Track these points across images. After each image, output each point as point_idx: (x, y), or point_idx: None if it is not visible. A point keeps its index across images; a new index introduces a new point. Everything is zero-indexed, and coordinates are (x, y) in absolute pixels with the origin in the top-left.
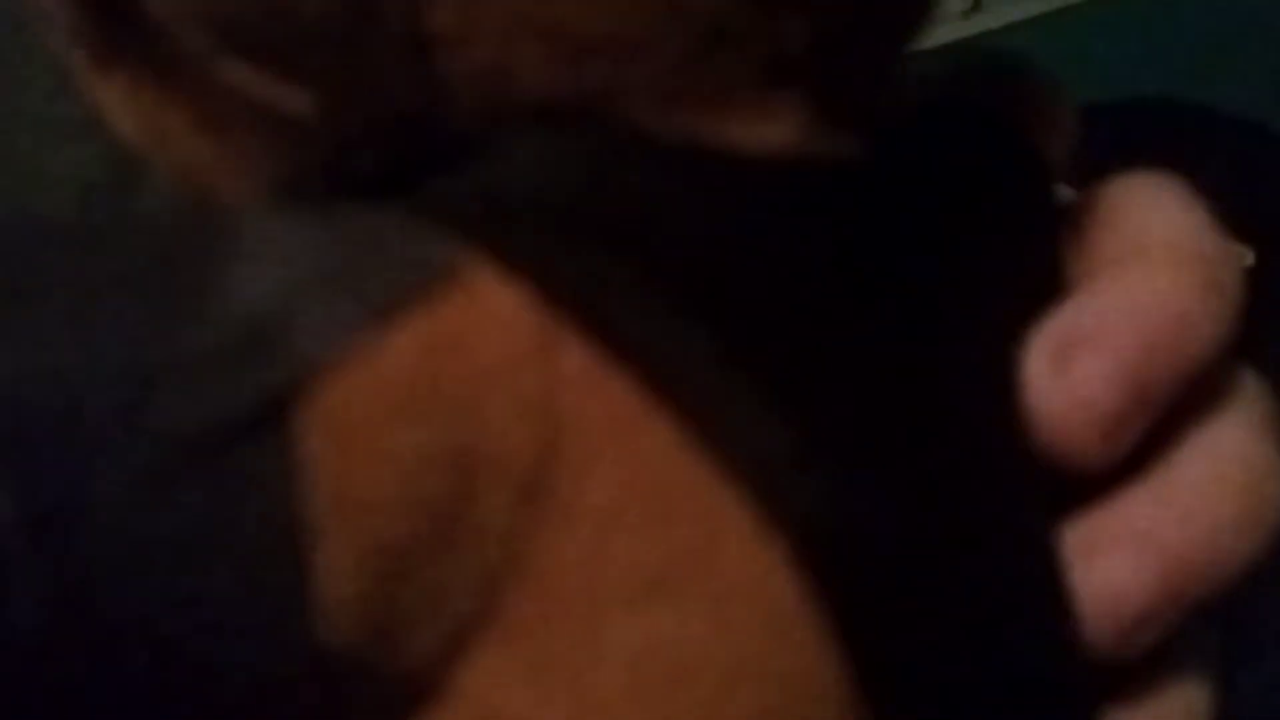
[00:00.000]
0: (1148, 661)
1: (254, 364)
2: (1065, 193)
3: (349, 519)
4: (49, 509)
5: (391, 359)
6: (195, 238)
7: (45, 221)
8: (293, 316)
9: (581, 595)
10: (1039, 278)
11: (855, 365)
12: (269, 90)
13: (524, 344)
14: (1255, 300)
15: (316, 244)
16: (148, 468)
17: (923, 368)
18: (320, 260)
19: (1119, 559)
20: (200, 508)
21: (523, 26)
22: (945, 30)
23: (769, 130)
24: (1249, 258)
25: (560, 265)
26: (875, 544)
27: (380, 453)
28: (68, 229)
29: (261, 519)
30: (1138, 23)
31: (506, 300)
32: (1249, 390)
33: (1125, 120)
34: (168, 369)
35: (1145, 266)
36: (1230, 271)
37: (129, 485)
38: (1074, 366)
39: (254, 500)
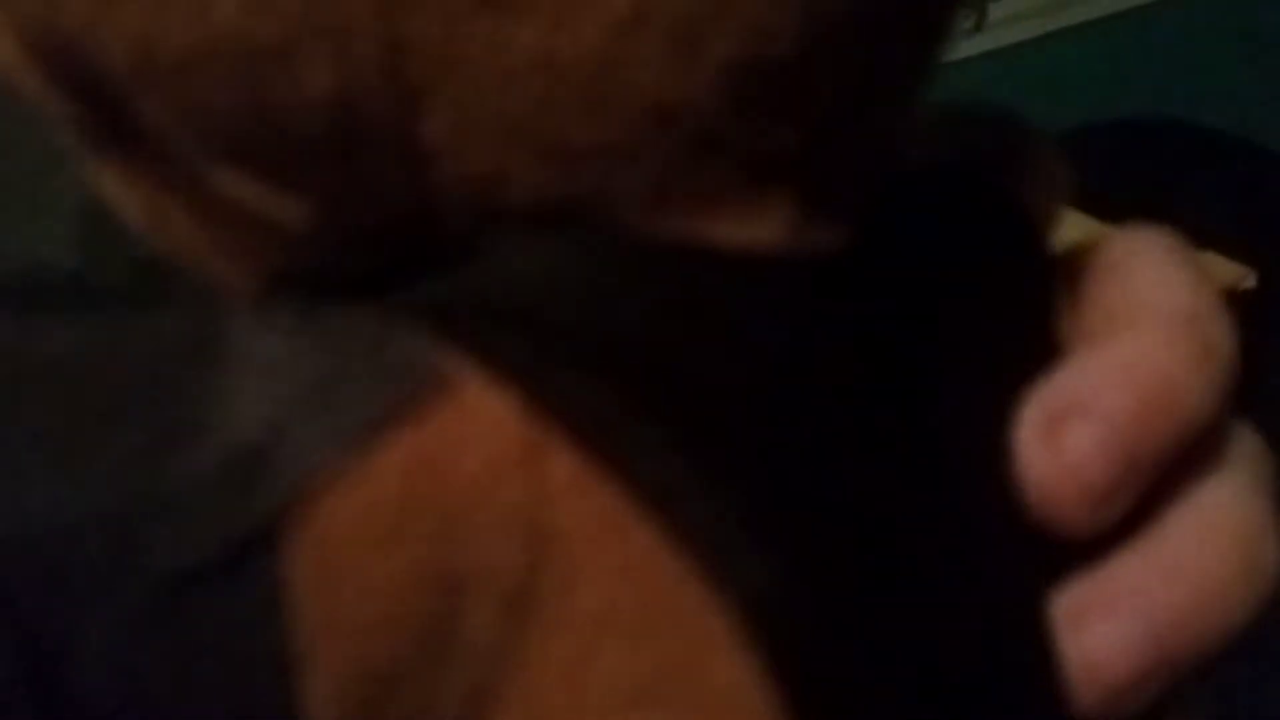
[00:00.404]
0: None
1: (242, 494)
2: (1055, 242)
3: (336, 645)
4: (44, 659)
5: (378, 480)
6: (183, 355)
7: (30, 343)
8: (280, 440)
9: (568, 706)
10: (1031, 342)
11: (845, 468)
12: (261, 199)
13: (511, 454)
14: (1256, 321)
15: (305, 355)
16: (138, 609)
17: (912, 448)
18: (308, 374)
19: (1108, 625)
20: (190, 646)
21: (515, 136)
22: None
23: (758, 228)
24: (1250, 279)
25: (546, 372)
26: (856, 661)
27: (367, 577)
28: (54, 352)
29: (249, 652)
30: (1135, 43)
31: (494, 408)
32: (1244, 447)
33: (1124, 139)
34: (157, 506)
35: (1137, 331)
36: (1224, 334)
37: (121, 628)
38: (1064, 435)
39: (242, 634)
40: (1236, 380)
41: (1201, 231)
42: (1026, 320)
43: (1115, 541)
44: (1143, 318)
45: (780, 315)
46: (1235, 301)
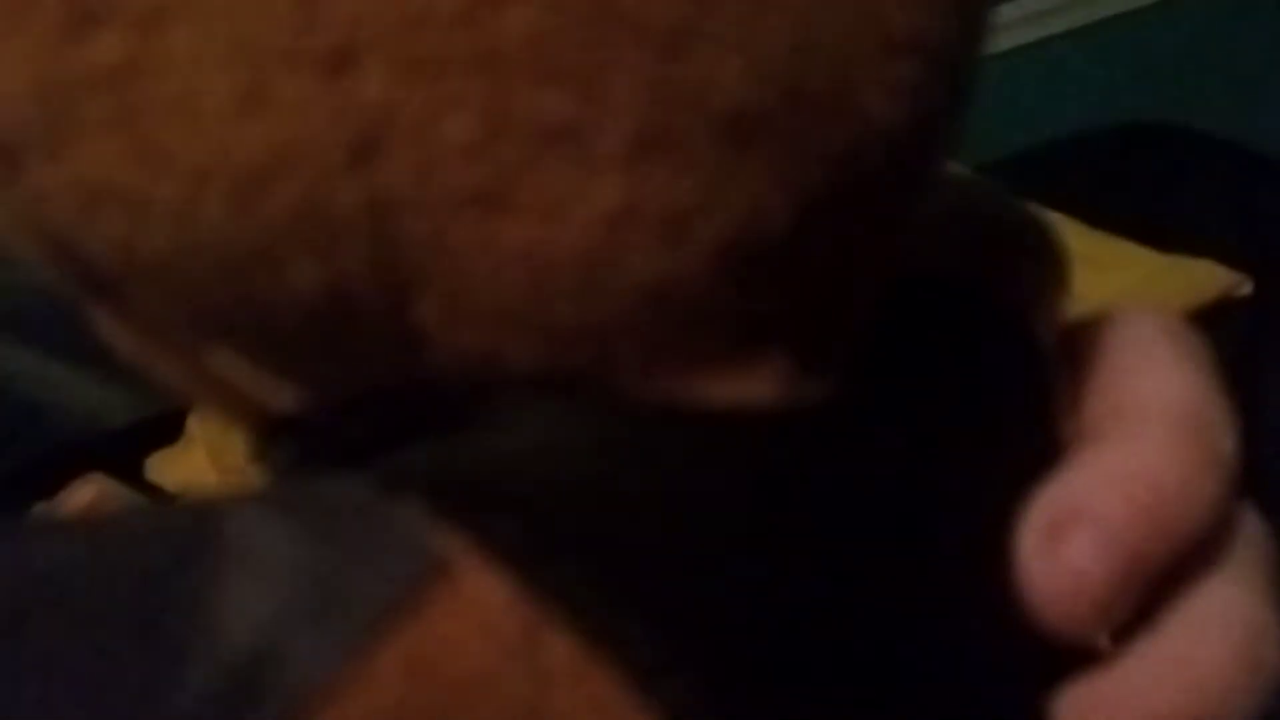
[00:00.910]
0: None
1: (244, 711)
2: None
3: None
4: None
5: (380, 685)
6: (180, 559)
7: (28, 559)
8: (281, 649)
9: None
10: (1032, 443)
11: (849, 621)
12: (253, 381)
13: (510, 643)
14: (1251, 328)
15: (302, 544)
16: None
17: (914, 568)
18: (306, 569)
19: None
20: None
21: (507, 320)
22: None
23: (752, 385)
24: (1246, 286)
25: (542, 554)
26: None
27: None
28: (50, 568)
29: None
30: (1132, 48)
31: (492, 595)
32: (1248, 538)
33: (1121, 145)
34: None
35: (1139, 435)
36: (1227, 435)
37: None
38: (1065, 543)
39: None
40: (1233, 399)
41: (1198, 238)
42: (1027, 422)
43: (1117, 643)
44: (1146, 419)
45: (772, 469)
46: (1231, 308)
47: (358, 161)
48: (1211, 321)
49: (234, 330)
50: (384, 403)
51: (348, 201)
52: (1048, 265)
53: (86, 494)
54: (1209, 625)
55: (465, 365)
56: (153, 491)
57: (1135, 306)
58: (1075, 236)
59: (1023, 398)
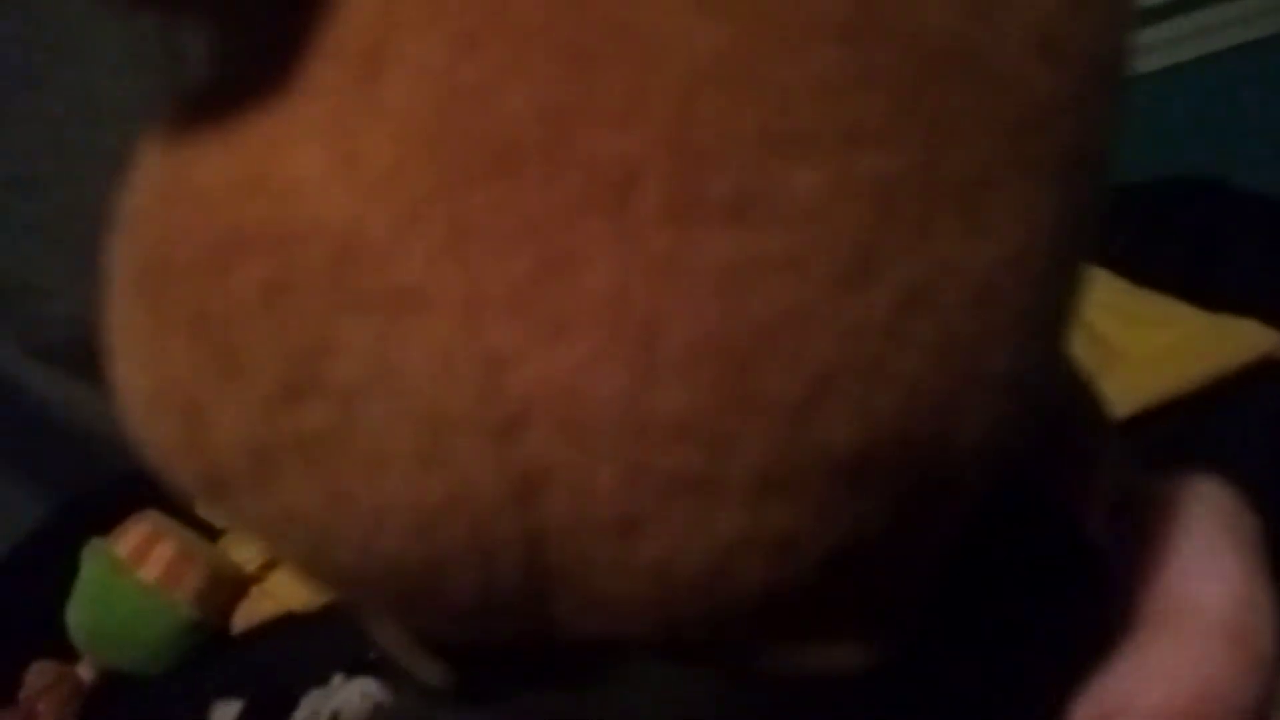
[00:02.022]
0: None
1: None
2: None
3: None
4: None
5: None
6: None
7: None
8: None
9: None
10: (1084, 639)
11: None
12: (407, 656)
13: None
14: None
15: None
16: None
17: None
18: None
19: None
20: None
21: (634, 614)
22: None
23: (834, 652)
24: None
25: None
26: None
27: None
28: None
29: None
30: (1173, 101)
31: None
32: None
33: (1162, 200)
34: None
35: (1189, 637)
36: (1272, 639)
37: None
38: None
39: None
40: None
41: (1240, 297)
42: (1079, 616)
43: None
44: (1197, 621)
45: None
46: (1273, 368)
47: (518, 503)
48: (1254, 381)
49: (394, 615)
50: (514, 658)
51: (507, 532)
52: (1096, 432)
53: (141, 531)
54: None
55: (593, 638)
56: (204, 528)
57: (1198, 486)
58: (1119, 293)
59: (1075, 594)
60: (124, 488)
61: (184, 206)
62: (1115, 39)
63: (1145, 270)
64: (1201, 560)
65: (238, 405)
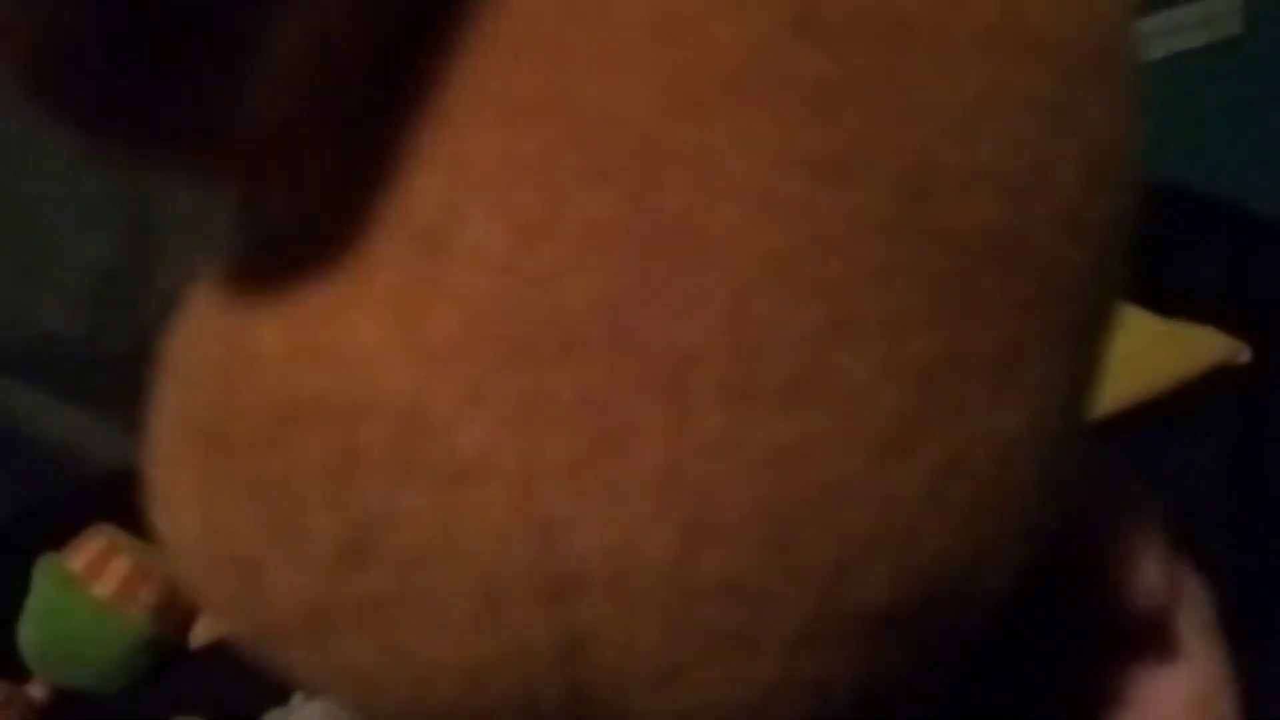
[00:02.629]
0: None
1: None
2: None
3: None
4: None
5: None
6: None
7: None
8: None
9: None
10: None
11: None
12: None
13: None
14: (1251, 397)
15: None
16: None
17: None
18: None
19: None
20: None
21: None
22: None
23: None
24: (1245, 354)
25: None
26: None
27: None
28: None
29: None
30: None
31: None
32: None
33: None
34: None
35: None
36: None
37: None
38: None
39: None
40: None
41: (1196, 306)
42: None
43: None
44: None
45: None
46: (1230, 377)
47: (566, 658)
48: (1211, 389)
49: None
50: None
51: (553, 683)
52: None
53: (95, 545)
54: None
55: None
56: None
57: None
58: None
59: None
60: (77, 499)
61: (243, 374)
62: (1131, 201)
63: None
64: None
65: (296, 567)
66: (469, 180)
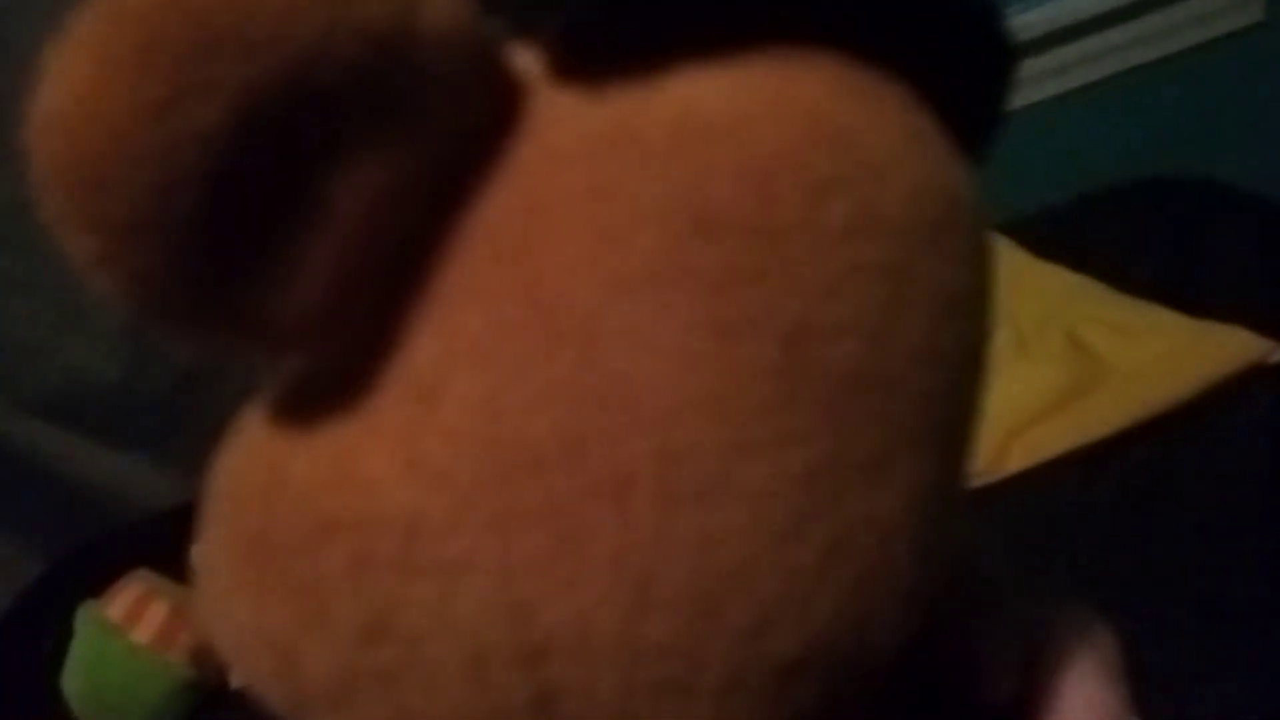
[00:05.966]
0: None
1: None
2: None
3: None
4: None
5: None
6: None
7: None
8: None
9: None
10: None
11: None
12: None
13: None
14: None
15: None
16: None
17: None
18: None
19: None
20: None
21: None
22: None
23: None
24: (1277, 353)
25: None
26: None
27: None
28: None
29: None
30: (1137, 103)
31: None
32: None
33: (1141, 201)
34: None
35: None
36: None
37: None
38: None
39: None
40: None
41: (1227, 304)
42: None
43: None
44: None
45: None
46: (1262, 376)
47: (539, 709)
48: (1244, 389)
49: None
50: None
51: None
52: (1009, 614)
53: (133, 592)
54: None
55: None
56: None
57: (1078, 624)
58: (1104, 304)
59: None
60: (115, 542)
61: (281, 495)
62: (981, 332)
63: (1128, 274)
64: (1081, 696)
65: (323, 647)
66: (456, 346)
